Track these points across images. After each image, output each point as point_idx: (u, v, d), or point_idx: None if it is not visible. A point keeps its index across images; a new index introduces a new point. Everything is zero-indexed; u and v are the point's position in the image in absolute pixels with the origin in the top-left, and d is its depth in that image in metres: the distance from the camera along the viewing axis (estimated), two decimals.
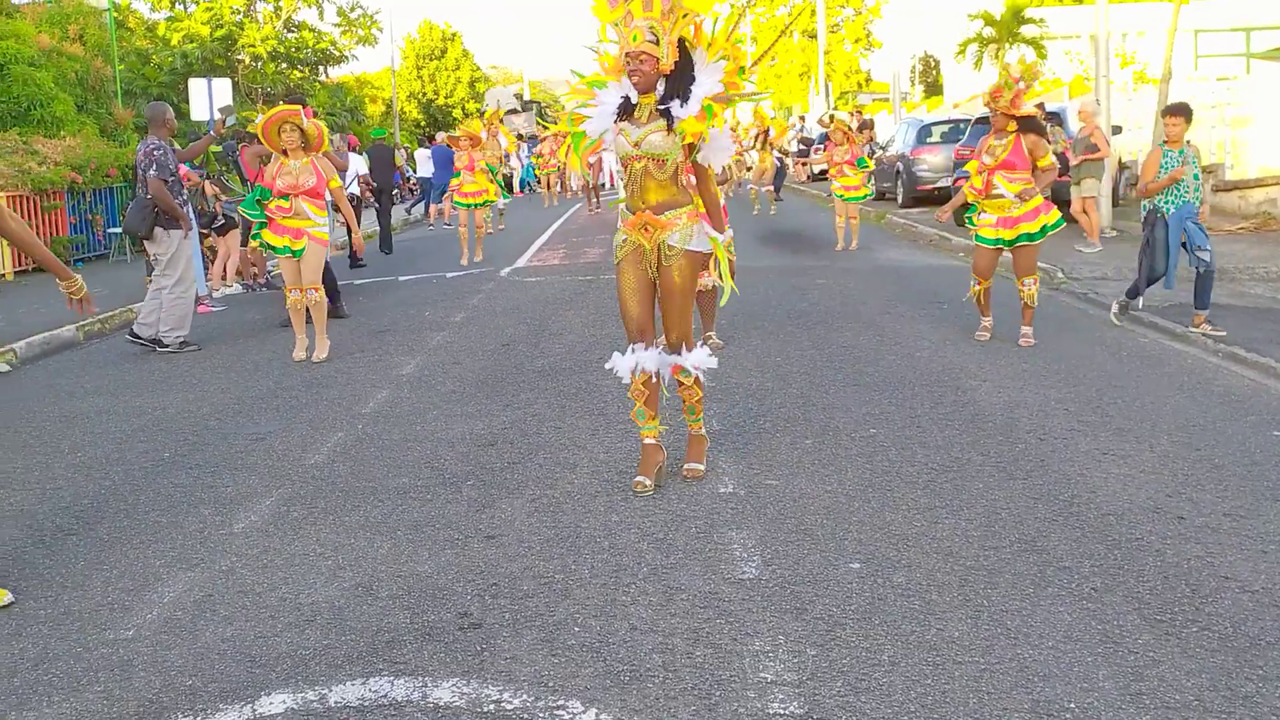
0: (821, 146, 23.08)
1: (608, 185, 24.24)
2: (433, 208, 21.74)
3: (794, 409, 6.11)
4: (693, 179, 4.87)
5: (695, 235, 4.68)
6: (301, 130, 7.79)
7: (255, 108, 23.84)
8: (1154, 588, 3.67)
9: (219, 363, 8.23)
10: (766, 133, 19.08)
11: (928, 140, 19.70)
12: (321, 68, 34.20)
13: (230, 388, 7.34)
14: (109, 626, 3.69)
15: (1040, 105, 11.43)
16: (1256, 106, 16.56)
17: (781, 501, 4.62)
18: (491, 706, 3.06)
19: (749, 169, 19.14)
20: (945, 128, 20.10)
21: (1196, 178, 7.78)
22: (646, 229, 4.65)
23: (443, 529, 4.46)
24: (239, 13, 31.20)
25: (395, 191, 18.85)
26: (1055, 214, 7.52)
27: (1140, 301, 8.50)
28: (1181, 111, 7.89)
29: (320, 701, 3.12)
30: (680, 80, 4.51)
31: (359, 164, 15.88)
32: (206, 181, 11.61)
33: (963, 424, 5.69)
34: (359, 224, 15.13)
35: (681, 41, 4.51)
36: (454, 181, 14.24)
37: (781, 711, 2.97)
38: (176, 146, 10.53)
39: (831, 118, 19.29)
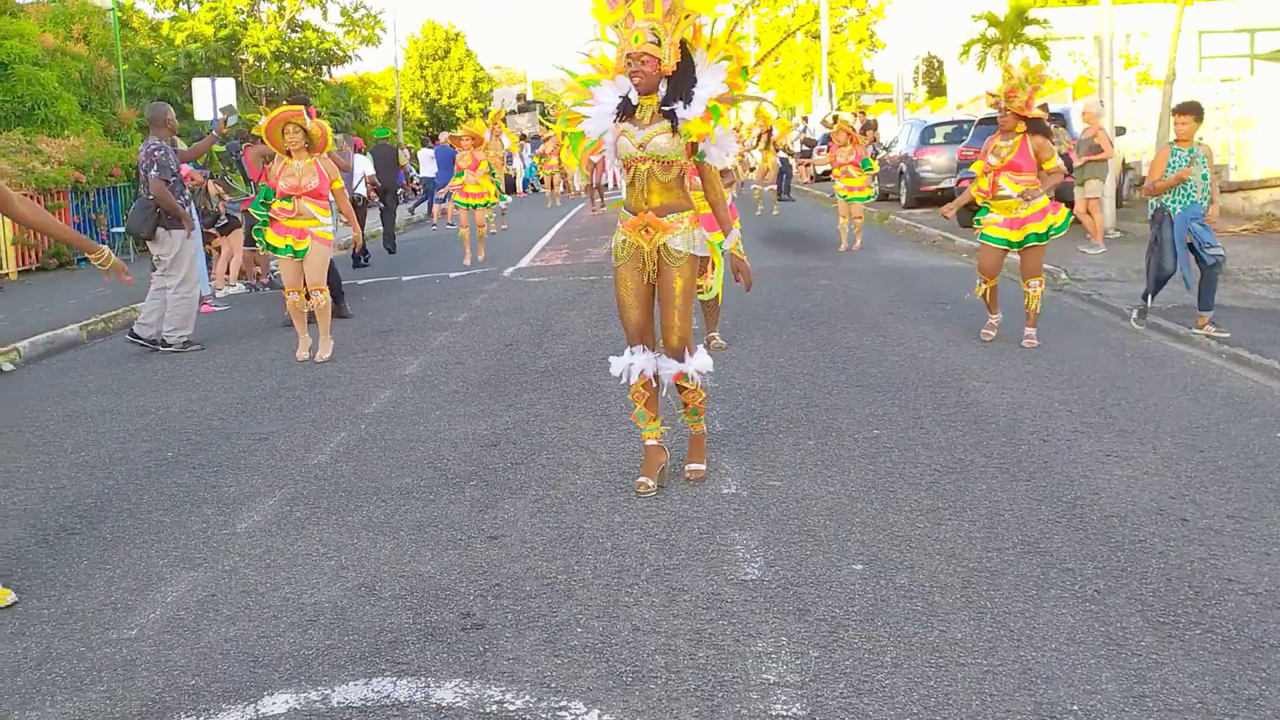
0: (825, 147, 23.08)
1: (610, 185, 24.25)
2: (436, 208, 21.75)
3: (797, 410, 6.10)
4: (698, 180, 4.86)
5: (697, 240, 4.68)
6: (305, 131, 7.78)
7: (259, 108, 23.86)
8: (1157, 590, 3.67)
9: (222, 362, 8.24)
10: (769, 132, 19.08)
11: (931, 141, 19.69)
12: (325, 68, 34.22)
13: (233, 387, 7.35)
14: (112, 626, 3.69)
15: (1044, 106, 11.42)
16: (1261, 108, 16.53)
17: (784, 502, 4.62)
18: (494, 707, 3.06)
19: (752, 169, 19.15)
20: (949, 129, 20.09)
21: (1205, 178, 7.70)
22: (647, 231, 4.63)
23: (445, 529, 4.46)
24: (243, 12, 31.22)
25: (399, 191, 18.85)
26: (1063, 214, 7.50)
27: (1150, 301, 8.47)
28: (1191, 110, 7.81)
29: (323, 702, 3.12)
30: (682, 81, 4.50)
31: (365, 165, 15.89)
32: (210, 181, 11.62)
33: (966, 425, 5.68)
34: (364, 225, 15.19)
35: (682, 43, 4.50)
36: (456, 181, 14.23)
37: (784, 713, 2.97)
38: (182, 146, 10.55)
39: (835, 118, 19.30)
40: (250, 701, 3.14)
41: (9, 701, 3.22)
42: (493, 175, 14.69)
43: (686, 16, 4.47)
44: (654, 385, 4.81)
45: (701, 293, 7.26)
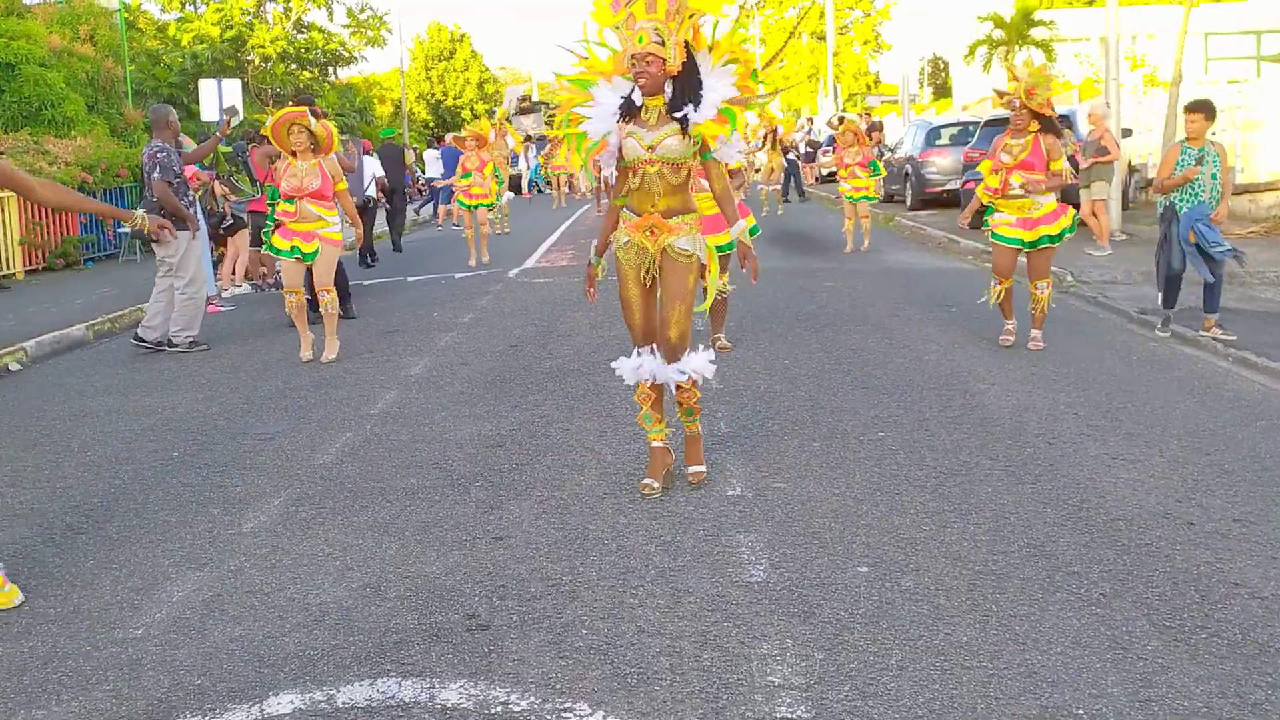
0: (829, 148, 23.05)
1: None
2: (441, 209, 21.76)
3: (802, 412, 6.10)
4: (702, 183, 4.85)
5: (701, 242, 4.68)
6: (311, 131, 7.79)
7: (265, 109, 23.91)
8: (1163, 593, 3.66)
9: (228, 362, 8.26)
10: (774, 132, 19.06)
11: (936, 142, 19.68)
12: (331, 69, 34.28)
13: (239, 387, 7.36)
14: (118, 625, 3.70)
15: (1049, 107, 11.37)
16: (1267, 110, 16.49)
17: (789, 504, 4.62)
18: (499, 708, 3.06)
19: (757, 170, 19.13)
20: (954, 130, 20.08)
21: (1215, 178, 7.64)
22: (652, 232, 4.62)
23: (450, 530, 4.46)
24: (249, 14, 31.29)
25: (405, 191, 18.86)
26: (1071, 214, 7.50)
27: (1160, 299, 8.44)
28: (1201, 108, 7.74)
29: (328, 702, 3.12)
30: (688, 82, 4.48)
31: (375, 166, 15.90)
32: (216, 182, 11.65)
33: (971, 428, 5.68)
34: (375, 226, 15.21)
35: (685, 43, 4.48)
36: (463, 182, 14.22)
37: (789, 715, 2.97)
38: (192, 145, 10.58)
39: (841, 119, 19.27)
40: (255, 701, 3.14)
41: (15, 700, 3.23)
42: (498, 176, 14.69)
43: (691, 16, 4.44)
44: (660, 386, 4.80)
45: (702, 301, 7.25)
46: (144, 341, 8.75)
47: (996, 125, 15.54)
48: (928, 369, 7.05)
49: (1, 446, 6.15)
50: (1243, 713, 2.93)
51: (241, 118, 16.64)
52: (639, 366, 4.77)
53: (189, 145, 10.68)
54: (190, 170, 10.43)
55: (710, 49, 4.52)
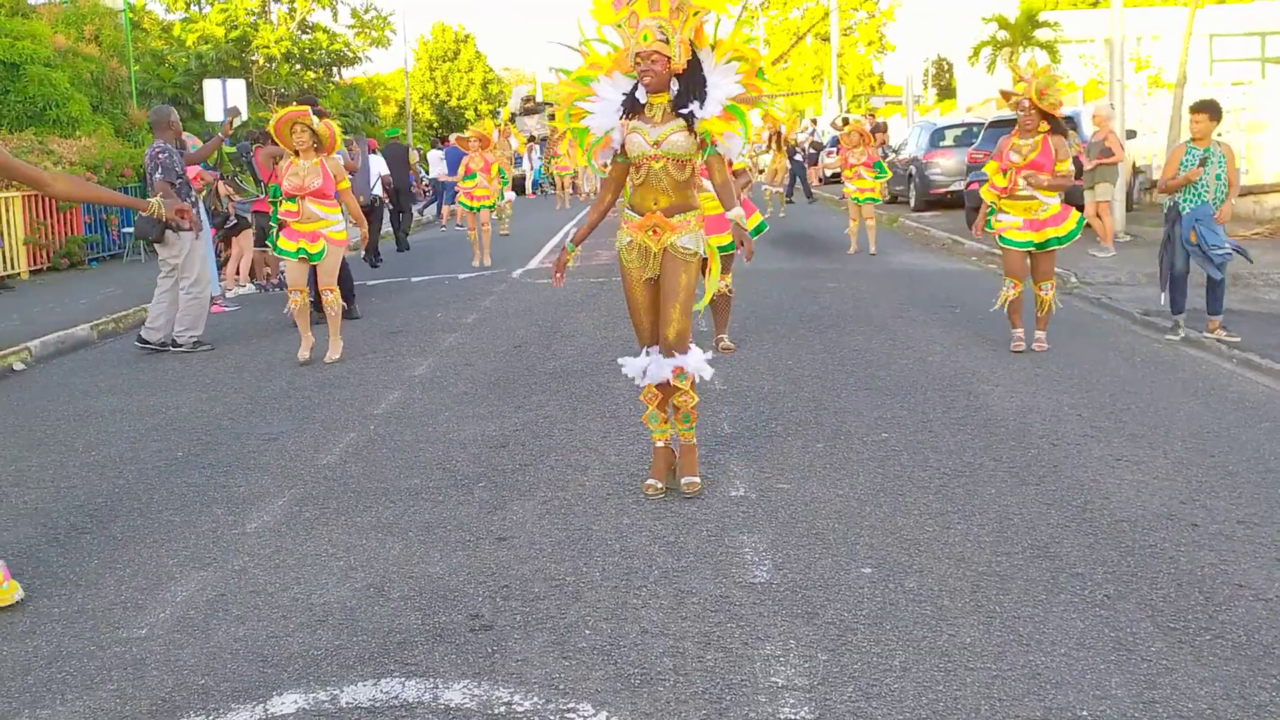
0: (833, 149, 23.03)
1: None
2: (445, 209, 21.78)
3: (805, 413, 6.10)
4: (704, 182, 4.84)
5: (703, 240, 4.67)
6: (313, 131, 7.79)
7: (269, 108, 23.93)
8: (1167, 595, 3.66)
9: (232, 362, 8.27)
10: (778, 133, 19.04)
11: (941, 144, 19.67)
12: (335, 69, 34.33)
13: (243, 387, 7.37)
14: (122, 625, 3.70)
15: None
16: (1272, 111, 16.47)
17: (793, 505, 4.61)
18: (502, 708, 3.06)
19: (760, 171, 19.13)
20: (958, 131, 20.07)
21: (1219, 178, 7.62)
22: (655, 231, 4.61)
23: (454, 530, 4.47)
24: (253, 14, 31.34)
25: (411, 190, 18.90)
26: (1077, 217, 7.48)
27: (1163, 299, 8.42)
28: (1205, 109, 7.71)
29: (332, 702, 3.13)
30: (693, 80, 4.46)
31: (381, 166, 15.91)
32: (220, 182, 11.66)
33: (975, 429, 5.67)
34: (380, 226, 15.21)
35: (689, 41, 4.47)
36: (467, 184, 14.22)
37: (792, 716, 2.96)
38: (199, 145, 10.59)
39: (845, 120, 19.24)
40: (259, 701, 3.15)
41: (20, 699, 3.24)
42: (503, 176, 14.68)
43: (695, 14, 4.43)
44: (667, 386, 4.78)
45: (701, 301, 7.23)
46: (147, 343, 8.76)
47: (1001, 126, 15.53)
48: (931, 370, 7.05)
49: (6, 446, 6.16)
50: (1247, 714, 2.93)
51: (245, 118, 16.69)
52: (646, 366, 4.75)
53: (196, 145, 10.71)
54: (194, 170, 10.45)
55: (713, 47, 4.51)
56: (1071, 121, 14.41)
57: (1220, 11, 27.80)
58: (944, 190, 18.61)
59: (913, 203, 19.58)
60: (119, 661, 3.44)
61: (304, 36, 32.51)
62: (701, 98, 4.46)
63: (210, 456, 5.71)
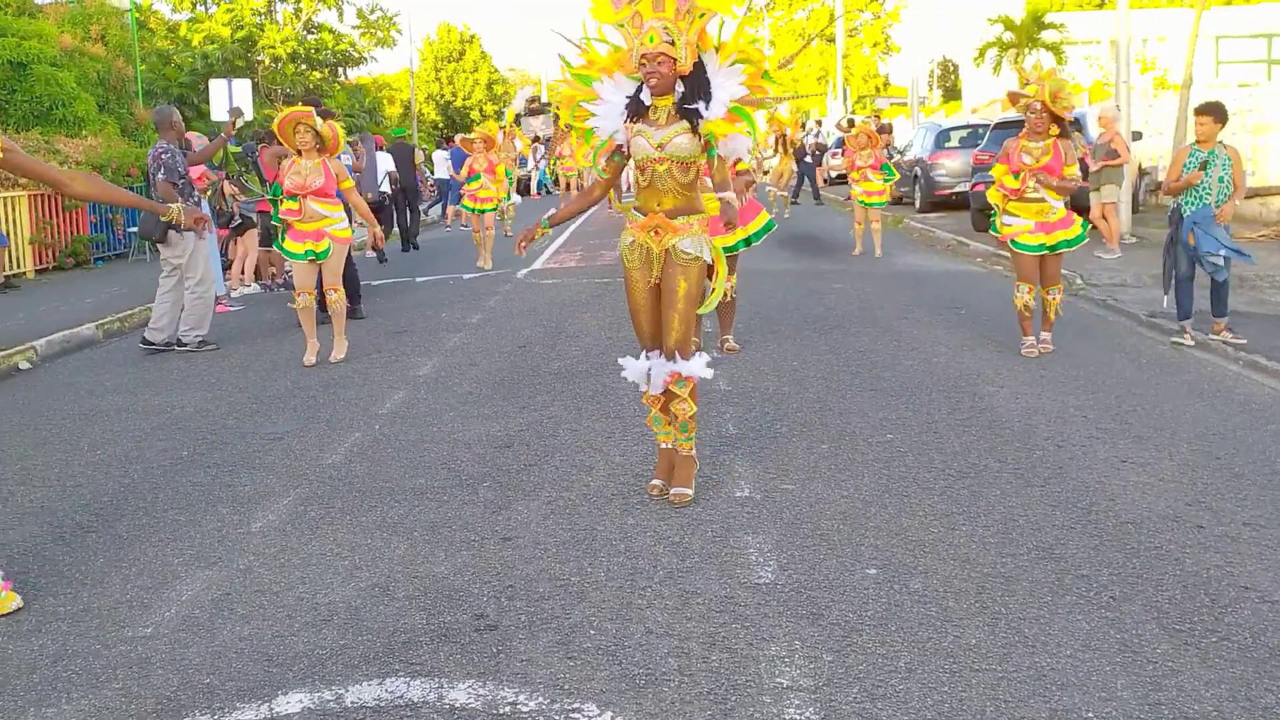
0: (838, 150, 23.00)
1: (625, 187, 24.21)
2: (450, 209, 21.80)
3: (810, 414, 6.10)
4: (707, 182, 4.82)
5: (705, 244, 4.64)
6: (316, 131, 7.80)
7: (274, 108, 23.97)
8: (1173, 597, 3.65)
9: (237, 362, 8.28)
10: (784, 136, 19.03)
11: (946, 145, 19.63)
12: (341, 69, 34.38)
13: (248, 387, 7.38)
14: (128, 624, 3.71)
15: None
16: (1278, 113, 16.44)
17: (798, 506, 4.61)
18: (507, 708, 3.06)
19: (765, 173, 19.11)
20: (964, 132, 20.03)
21: (1222, 181, 7.59)
22: (657, 232, 4.59)
23: (459, 530, 4.47)
24: (259, 14, 31.39)
25: (419, 189, 18.93)
26: (1081, 221, 7.48)
27: (1165, 302, 8.40)
28: (1210, 111, 7.68)
29: (337, 701, 3.13)
30: (698, 81, 4.44)
31: (387, 162, 15.91)
32: (226, 182, 11.68)
33: (980, 430, 5.67)
34: (392, 223, 15.21)
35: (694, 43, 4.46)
36: (471, 185, 14.21)
37: (797, 717, 2.96)
38: (205, 143, 10.61)
39: (850, 122, 19.23)
40: (264, 700, 3.15)
41: (26, 698, 3.24)
42: (509, 177, 14.67)
43: (701, 16, 4.42)
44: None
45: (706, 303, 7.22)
46: (152, 344, 8.77)
47: (1006, 128, 15.50)
48: (936, 371, 7.04)
49: (12, 445, 6.17)
50: (1253, 717, 2.92)
51: (251, 118, 16.70)
52: (646, 368, 4.73)
53: (203, 145, 10.72)
54: (199, 170, 10.47)
55: (717, 49, 4.49)
56: (1078, 123, 14.42)
57: (1227, 13, 27.76)
58: (949, 191, 18.58)
59: (918, 204, 19.56)
60: (124, 660, 3.44)
61: (310, 37, 32.55)
62: (707, 99, 4.44)
63: (215, 456, 5.72)
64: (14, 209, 13.80)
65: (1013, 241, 7.47)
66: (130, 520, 4.77)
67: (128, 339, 9.67)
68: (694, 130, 4.44)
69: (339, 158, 8.18)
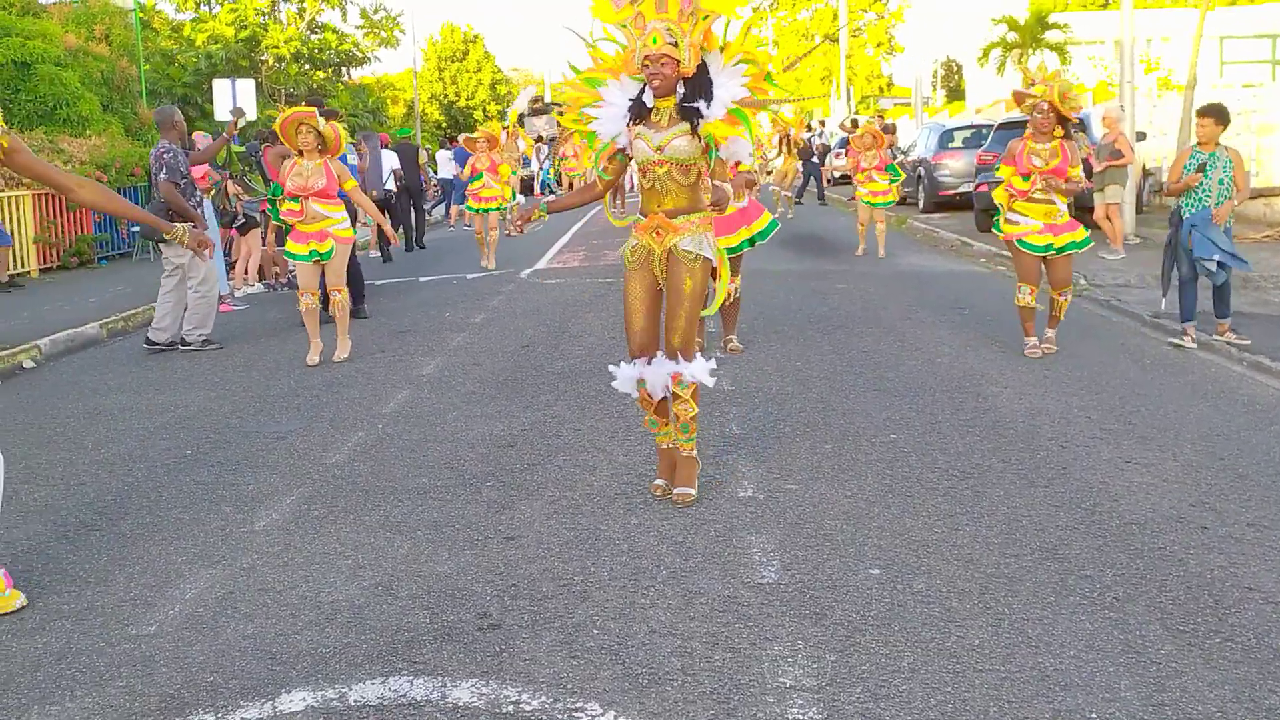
0: (841, 151, 22.99)
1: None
2: (454, 209, 21.81)
3: (814, 414, 6.09)
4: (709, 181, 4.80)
5: (707, 242, 4.61)
6: (318, 132, 7.80)
7: (277, 107, 23.98)
8: (1177, 598, 3.65)
9: (240, 361, 8.29)
10: (788, 135, 19.00)
11: (950, 145, 19.63)
12: (344, 69, 34.40)
13: (251, 386, 7.39)
14: (131, 622, 3.71)
15: None
16: None
17: (801, 506, 4.61)
18: (510, 707, 3.06)
19: (768, 174, 19.09)
20: (967, 133, 20.03)
21: (1222, 183, 7.57)
22: (658, 233, 4.57)
23: (462, 529, 4.47)
24: (263, 14, 31.42)
25: (423, 189, 18.95)
26: (1081, 228, 7.49)
27: (1164, 303, 8.38)
28: (1211, 113, 7.66)
29: (340, 700, 3.13)
30: (699, 83, 4.43)
31: (393, 160, 15.92)
32: (229, 181, 11.70)
33: (984, 430, 5.66)
34: (405, 219, 15.19)
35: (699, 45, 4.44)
36: (474, 185, 14.21)
37: (800, 716, 2.96)
38: (209, 140, 10.63)
39: (854, 122, 19.20)
40: (268, 699, 3.15)
41: (30, 695, 3.25)
42: (513, 176, 14.66)
43: (705, 18, 4.41)
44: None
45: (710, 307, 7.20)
46: (155, 344, 8.78)
47: (1010, 128, 15.51)
48: (940, 372, 7.04)
49: (16, 443, 6.18)
50: (1257, 718, 2.92)
51: (253, 118, 16.74)
52: (635, 375, 4.66)
53: (209, 140, 10.75)
54: (202, 170, 10.48)
55: (721, 50, 4.48)
56: (1081, 124, 14.40)
57: (1231, 13, 27.74)
58: (953, 192, 18.57)
59: (921, 204, 19.55)
60: (128, 658, 3.45)
61: (313, 36, 32.58)
62: (708, 98, 4.42)
63: (219, 455, 5.73)
64: (18, 208, 13.82)
65: (1019, 241, 7.43)
66: (134, 519, 4.78)
67: (132, 338, 9.68)
68: (693, 132, 4.43)
69: (341, 158, 8.19)
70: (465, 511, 4.68)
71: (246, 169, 13.15)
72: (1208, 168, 7.51)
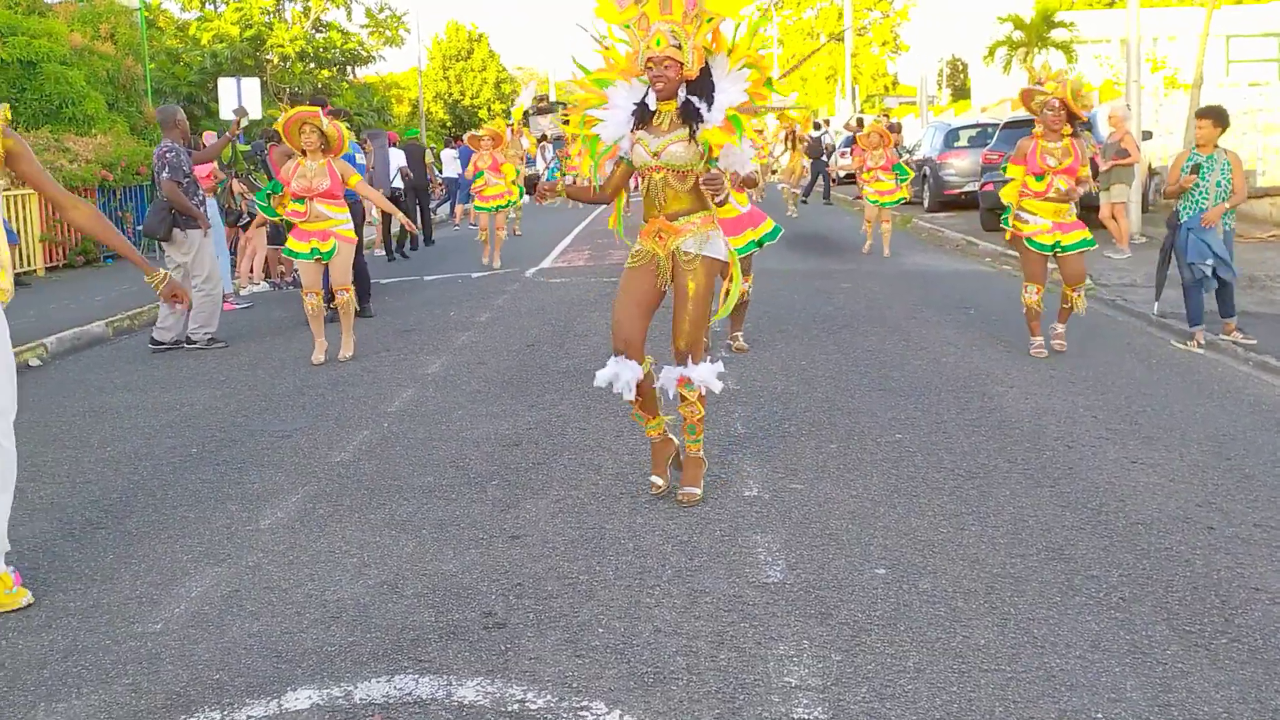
0: (847, 150, 22.96)
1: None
2: (459, 208, 21.82)
3: (819, 413, 6.09)
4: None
5: (712, 240, 4.57)
6: (321, 132, 7.80)
7: (282, 106, 24.01)
8: (1183, 598, 3.64)
9: (245, 360, 8.29)
10: (793, 132, 18.95)
11: (955, 144, 19.61)
12: (349, 68, 34.43)
13: (257, 385, 7.39)
14: (137, 620, 3.72)
15: None
16: None
17: (806, 506, 4.61)
18: (515, 706, 3.06)
19: (774, 173, 19.07)
20: (973, 132, 20.00)
21: (1220, 185, 7.54)
22: (661, 236, 4.55)
23: (467, 528, 4.47)
24: (268, 13, 31.45)
25: (429, 189, 18.98)
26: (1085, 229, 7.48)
27: (1156, 307, 8.35)
28: (1210, 115, 7.64)
29: (345, 698, 3.13)
30: (702, 86, 4.39)
31: (400, 158, 15.94)
32: (234, 180, 11.71)
33: (989, 430, 5.66)
34: (414, 215, 15.19)
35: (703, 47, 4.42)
36: (478, 183, 14.20)
37: (805, 716, 2.96)
38: (212, 139, 10.64)
39: (860, 122, 19.18)
40: (273, 697, 3.16)
41: (35, 693, 3.25)
42: (518, 175, 14.66)
43: (709, 20, 4.38)
44: (648, 389, 4.67)
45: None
46: (160, 344, 8.79)
47: (1016, 127, 15.49)
48: (945, 371, 7.03)
49: (22, 442, 6.14)
50: (1263, 718, 2.91)
51: (258, 116, 16.76)
52: (617, 376, 4.59)
53: (213, 138, 10.76)
54: (208, 169, 10.50)
55: (729, 52, 4.45)
56: (1088, 123, 14.37)
57: (1237, 12, 27.67)
58: (958, 191, 18.56)
59: (926, 203, 19.53)
60: (134, 656, 3.45)
61: (318, 35, 32.62)
62: (709, 102, 4.39)
63: (224, 453, 5.73)
64: (24, 207, 13.84)
65: (1028, 240, 7.41)
66: (140, 517, 4.79)
67: (137, 336, 9.70)
68: (691, 137, 4.39)
69: (348, 157, 8.19)
70: (470, 510, 4.69)
71: (252, 168, 13.16)
72: (1203, 170, 7.48)
